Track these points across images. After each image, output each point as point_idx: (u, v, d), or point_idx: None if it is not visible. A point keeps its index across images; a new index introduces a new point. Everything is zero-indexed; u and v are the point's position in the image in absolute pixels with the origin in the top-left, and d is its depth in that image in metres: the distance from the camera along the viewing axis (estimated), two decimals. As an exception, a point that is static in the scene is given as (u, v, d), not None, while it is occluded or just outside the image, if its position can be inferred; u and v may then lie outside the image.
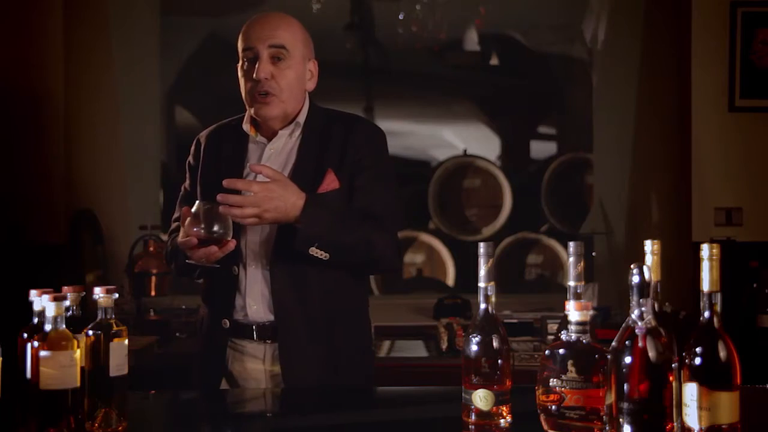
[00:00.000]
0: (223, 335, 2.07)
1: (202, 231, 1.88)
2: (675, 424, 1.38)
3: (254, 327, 2.03)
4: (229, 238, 1.91)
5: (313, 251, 1.94)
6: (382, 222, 2.04)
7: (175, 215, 2.21)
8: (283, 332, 2.01)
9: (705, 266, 1.37)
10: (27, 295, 1.57)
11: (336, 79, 4.94)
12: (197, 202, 1.93)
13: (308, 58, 2.12)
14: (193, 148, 2.22)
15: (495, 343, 1.46)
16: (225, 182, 1.90)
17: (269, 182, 1.91)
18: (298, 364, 2.01)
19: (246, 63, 2.07)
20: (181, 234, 1.94)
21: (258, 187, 1.89)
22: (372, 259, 2.03)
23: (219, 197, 1.88)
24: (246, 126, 2.13)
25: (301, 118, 2.11)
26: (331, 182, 2.03)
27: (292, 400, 1.91)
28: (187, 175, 2.22)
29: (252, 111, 2.08)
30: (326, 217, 1.96)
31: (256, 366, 2.05)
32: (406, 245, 5.07)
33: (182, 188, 2.24)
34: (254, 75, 2.02)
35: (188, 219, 1.91)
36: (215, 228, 1.88)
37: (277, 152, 2.10)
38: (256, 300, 2.04)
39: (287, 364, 2.00)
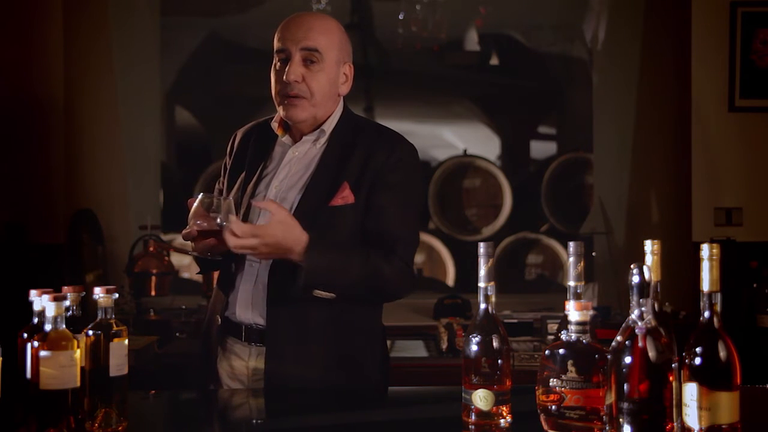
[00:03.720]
0: (216, 333, 2.05)
1: (200, 223, 1.88)
2: (675, 424, 1.38)
3: (243, 327, 2.00)
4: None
5: (318, 293, 1.91)
6: (394, 248, 1.96)
7: None
8: (273, 336, 1.97)
9: (705, 266, 1.37)
10: (27, 295, 1.57)
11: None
12: (200, 194, 1.90)
13: (343, 61, 2.05)
14: (228, 144, 2.20)
15: (495, 343, 1.46)
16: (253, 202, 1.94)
17: (272, 222, 1.86)
18: (286, 367, 1.96)
19: (279, 63, 2.02)
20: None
21: (270, 217, 1.86)
22: (381, 291, 1.98)
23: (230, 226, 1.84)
24: (274, 125, 2.09)
25: (328, 126, 2.05)
26: (345, 196, 1.97)
27: (291, 400, 1.91)
28: (222, 172, 2.20)
29: (281, 112, 2.04)
30: (328, 258, 1.90)
31: (241, 365, 2.02)
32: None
33: (216, 184, 2.22)
34: (284, 77, 1.98)
35: (191, 211, 1.90)
36: (216, 220, 1.87)
37: (299, 158, 2.05)
38: (246, 299, 2.00)
39: (275, 367, 1.96)
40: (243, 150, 2.14)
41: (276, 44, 2.03)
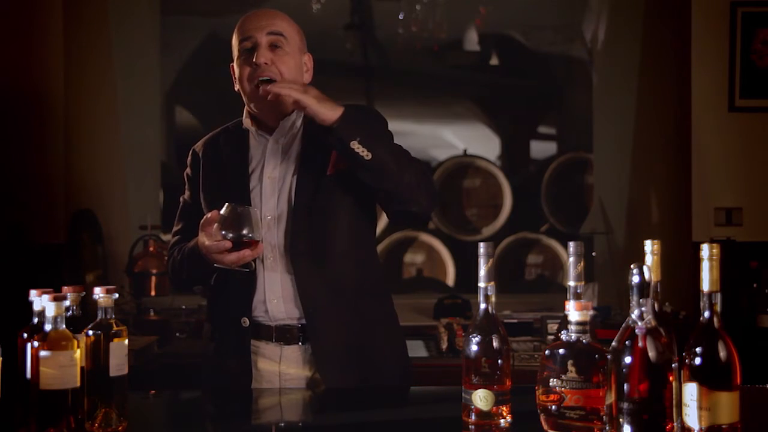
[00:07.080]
0: (242, 334, 2.01)
1: (231, 234, 1.84)
2: (675, 424, 1.38)
3: (273, 328, 1.99)
4: (259, 240, 1.87)
5: (355, 146, 1.86)
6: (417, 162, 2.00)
7: (177, 228, 2.18)
8: (313, 332, 1.97)
9: (705, 266, 1.37)
10: (27, 295, 1.57)
11: (336, 79, 4.94)
12: (225, 205, 1.87)
13: (303, 51, 2.11)
14: (189, 159, 2.19)
15: (495, 343, 1.46)
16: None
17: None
18: (329, 365, 1.97)
19: (244, 53, 2.04)
20: (203, 239, 1.89)
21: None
22: (414, 181, 1.92)
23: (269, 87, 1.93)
24: (246, 121, 2.10)
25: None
26: (339, 162, 1.98)
27: (288, 400, 1.91)
28: (186, 187, 2.18)
29: (250, 100, 2.06)
30: (368, 123, 1.95)
31: (270, 367, 2.01)
32: (406, 245, 5.07)
33: (181, 200, 2.21)
34: (254, 60, 2.00)
35: (215, 224, 1.87)
36: (245, 231, 1.84)
37: (282, 144, 2.07)
38: (276, 295, 1.99)
39: (321, 365, 1.97)
40: (213, 160, 2.13)
41: (238, 37, 2.06)
